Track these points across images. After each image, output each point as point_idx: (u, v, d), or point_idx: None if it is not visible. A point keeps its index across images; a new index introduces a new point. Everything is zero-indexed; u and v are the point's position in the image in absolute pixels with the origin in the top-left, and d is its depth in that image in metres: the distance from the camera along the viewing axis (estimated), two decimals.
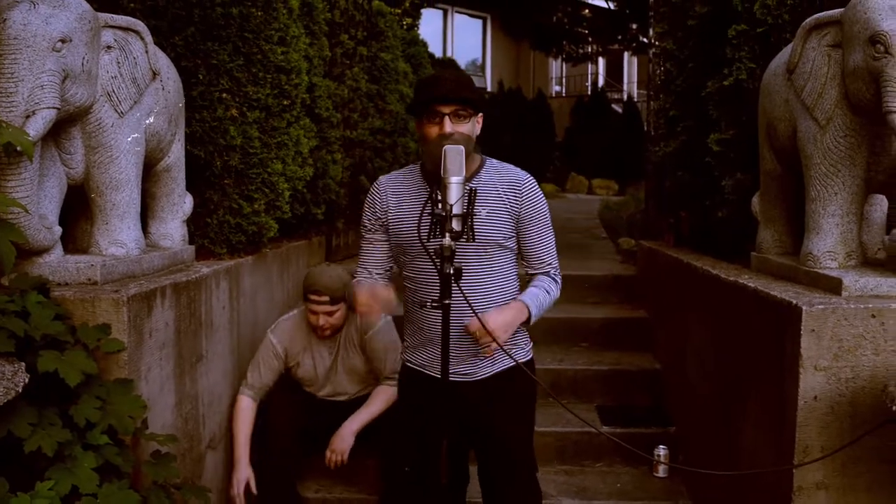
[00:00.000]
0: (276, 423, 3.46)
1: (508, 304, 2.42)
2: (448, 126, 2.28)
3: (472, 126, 2.36)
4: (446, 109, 2.29)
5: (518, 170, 2.50)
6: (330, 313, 3.38)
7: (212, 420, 3.21)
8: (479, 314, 2.27)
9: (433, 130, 2.31)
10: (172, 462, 2.49)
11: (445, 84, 2.31)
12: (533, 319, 2.43)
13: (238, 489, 3.33)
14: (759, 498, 2.74)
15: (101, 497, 2.14)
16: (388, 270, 2.58)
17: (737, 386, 3.01)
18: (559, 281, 2.56)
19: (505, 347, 2.36)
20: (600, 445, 3.88)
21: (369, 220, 2.53)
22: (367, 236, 2.55)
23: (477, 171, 2.43)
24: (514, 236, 2.47)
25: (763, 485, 2.68)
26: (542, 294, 2.48)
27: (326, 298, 3.34)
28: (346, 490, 3.59)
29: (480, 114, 2.41)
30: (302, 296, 3.49)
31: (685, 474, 3.69)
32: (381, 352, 3.44)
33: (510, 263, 2.51)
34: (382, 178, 2.57)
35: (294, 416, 3.46)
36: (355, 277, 2.59)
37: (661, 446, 3.78)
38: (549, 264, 2.55)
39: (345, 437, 3.39)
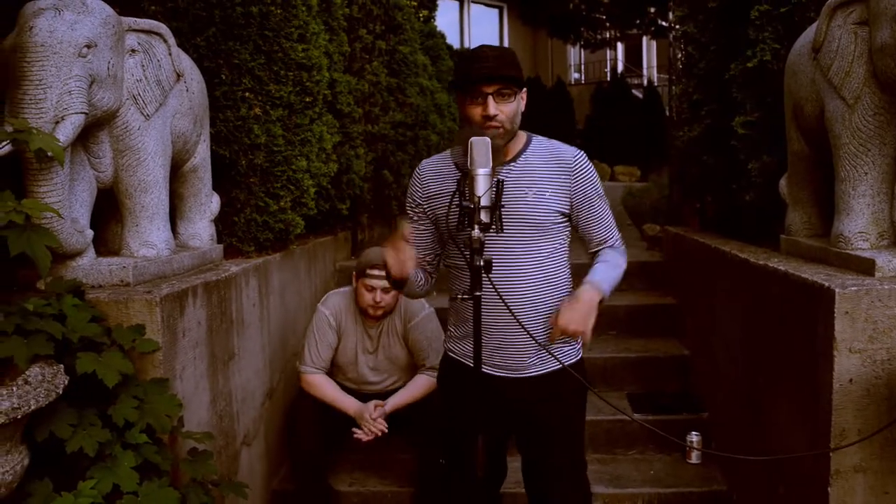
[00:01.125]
0: (301, 422, 3.49)
1: (579, 293, 2.24)
2: (492, 107, 2.17)
3: (517, 104, 2.24)
4: (489, 89, 2.17)
5: (567, 146, 2.39)
6: (387, 290, 3.40)
7: (245, 416, 3.25)
8: (555, 312, 2.22)
9: (476, 111, 2.20)
10: (209, 459, 2.52)
11: (487, 61, 2.18)
12: (607, 299, 2.30)
13: (373, 413, 3.40)
14: (796, 482, 2.73)
15: (142, 495, 2.17)
16: (436, 257, 2.50)
17: (768, 370, 2.99)
18: (624, 251, 2.47)
19: (552, 350, 2.30)
20: (632, 433, 3.87)
21: (410, 206, 2.46)
22: (415, 223, 2.46)
23: (523, 150, 2.34)
24: (565, 217, 2.35)
25: (799, 469, 2.66)
26: (611, 269, 2.37)
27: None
28: (379, 483, 3.61)
29: (524, 90, 2.28)
30: (355, 276, 3.51)
31: (719, 460, 3.68)
32: (423, 342, 3.48)
33: (560, 247, 2.38)
34: (424, 163, 2.47)
35: (318, 413, 3.49)
36: None
37: (694, 432, 3.77)
38: (611, 238, 2.46)
39: (385, 404, 3.46)
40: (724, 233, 4.11)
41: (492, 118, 2.18)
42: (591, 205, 2.39)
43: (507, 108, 2.21)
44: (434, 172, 2.41)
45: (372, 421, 3.40)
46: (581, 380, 2.37)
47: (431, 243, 2.48)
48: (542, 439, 2.46)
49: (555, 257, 2.37)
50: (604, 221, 2.44)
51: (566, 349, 2.41)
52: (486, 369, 2.20)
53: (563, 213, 2.35)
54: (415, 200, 2.44)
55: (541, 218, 2.30)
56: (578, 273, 2.38)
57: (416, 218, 2.44)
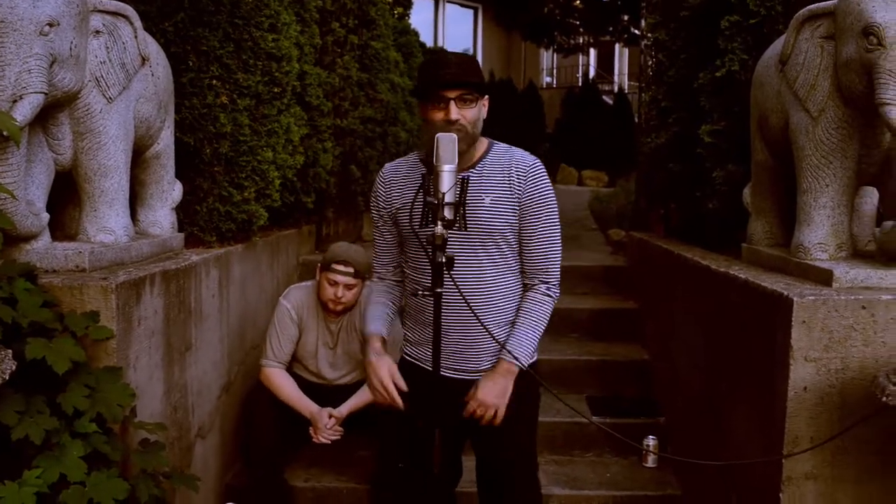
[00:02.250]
0: (258, 416, 3.46)
1: (495, 370, 2.35)
2: (454, 112, 2.20)
3: (479, 110, 2.27)
4: (451, 94, 2.21)
5: (526, 154, 2.39)
6: (350, 287, 3.40)
7: (201, 409, 3.20)
8: (474, 391, 2.32)
9: (438, 116, 2.22)
10: (161, 451, 2.48)
11: (450, 67, 2.22)
12: (527, 363, 2.35)
13: (328, 422, 3.41)
14: (748, 488, 2.76)
15: (90, 485, 2.13)
16: (399, 264, 2.53)
17: (726, 377, 3.02)
18: (555, 295, 2.42)
19: (507, 346, 2.32)
20: (590, 436, 3.89)
21: (376, 210, 2.49)
22: (378, 229, 2.51)
23: (483, 156, 2.36)
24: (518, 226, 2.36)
25: (752, 475, 2.69)
26: (534, 328, 2.38)
27: (352, 270, 3.37)
28: (336, 479, 3.58)
29: (486, 96, 2.31)
30: (319, 269, 3.49)
31: (674, 464, 3.71)
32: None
33: (514, 255, 2.40)
34: (387, 166, 2.50)
35: (276, 408, 3.46)
36: (372, 272, 2.57)
37: (651, 436, 3.79)
38: (549, 274, 2.39)
39: (340, 411, 3.45)
40: (688, 239, 4.15)
41: (453, 123, 2.20)
42: (538, 218, 2.35)
43: (468, 114, 2.24)
44: (397, 174, 2.45)
45: (326, 430, 3.40)
46: (537, 378, 2.40)
47: (398, 246, 2.50)
48: (494, 439, 2.46)
49: (514, 263, 2.39)
50: (551, 248, 2.39)
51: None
52: (443, 371, 2.20)
53: (518, 220, 2.35)
54: (378, 203, 2.47)
55: (497, 224, 2.32)
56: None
57: (380, 224, 2.49)
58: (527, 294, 2.42)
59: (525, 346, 2.36)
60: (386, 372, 2.36)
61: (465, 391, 2.38)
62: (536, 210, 2.35)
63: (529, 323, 2.39)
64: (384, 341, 2.46)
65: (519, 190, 2.33)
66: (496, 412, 2.34)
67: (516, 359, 2.33)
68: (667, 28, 4.24)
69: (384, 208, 2.46)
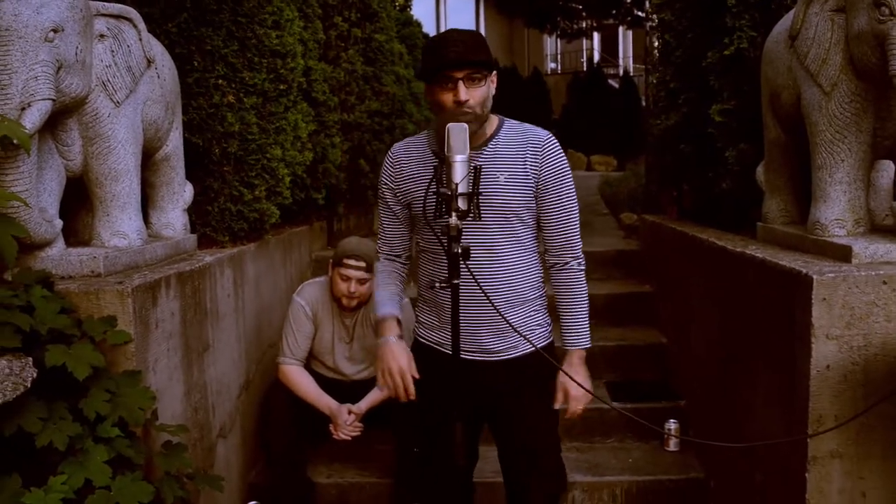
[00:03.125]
0: (277, 414, 3.46)
1: (570, 363, 2.42)
2: (463, 92, 2.14)
3: (488, 88, 2.22)
4: (459, 74, 2.14)
5: (538, 129, 2.36)
6: (362, 281, 3.38)
7: (221, 409, 3.20)
8: (568, 378, 2.37)
9: (447, 98, 2.16)
10: (184, 452, 2.48)
11: (455, 46, 2.14)
12: (589, 343, 2.44)
13: (347, 419, 3.40)
14: (773, 469, 2.74)
15: (115, 489, 2.13)
16: (407, 245, 2.51)
17: (745, 357, 3.00)
18: (584, 265, 2.43)
19: (523, 332, 2.31)
20: (610, 421, 3.88)
21: (384, 190, 2.45)
22: (385, 209, 2.47)
23: (495, 132, 2.32)
24: (535, 202, 2.34)
25: (777, 455, 2.67)
26: (583, 310, 2.43)
27: (363, 264, 3.35)
28: (358, 474, 3.59)
29: (494, 73, 2.25)
30: (331, 265, 3.48)
31: (697, 447, 3.69)
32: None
33: (533, 241, 2.40)
34: (396, 146, 2.46)
35: (295, 405, 3.46)
36: (378, 255, 2.55)
37: (672, 420, 3.78)
38: (573, 245, 2.39)
39: (360, 407, 3.44)
40: (701, 221, 4.12)
41: (463, 103, 2.15)
42: (558, 194, 2.34)
43: (477, 93, 2.18)
44: (407, 155, 2.40)
45: (346, 426, 3.39)
46: (552, 361, 2.37)
47: (407, 230, 2.49)
48: (517, 424, 2.47)
49: (529, 242, 2.39)
50: (571, 224, 2.38)
51: (538, 332, 2.43)
52: (463, 354, 2.18)
53: (533, 200, 2.34)
54: (388, 184, 2.43)
55: (513, 202, 2.30)
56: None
57: (390, 202, 2.44)
58: (561, 273, 2.42)
59: (583, 328, 2.42)
60: (406, 360, 2.33)
61: (486, 371, 2.39)
62: (555, 185, 2.33)
63: (577, 302, 2.43)
64: (400, 324, 2.43)
65: (535, 166, 2.30)
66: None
67: (582, 353, 2.44)
68: (672, 8, 4.20)
69: (393, 189, 2.42)
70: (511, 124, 2.36)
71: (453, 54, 2.14)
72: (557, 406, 2.42)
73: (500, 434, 2.56)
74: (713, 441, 3.18)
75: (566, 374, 2.37)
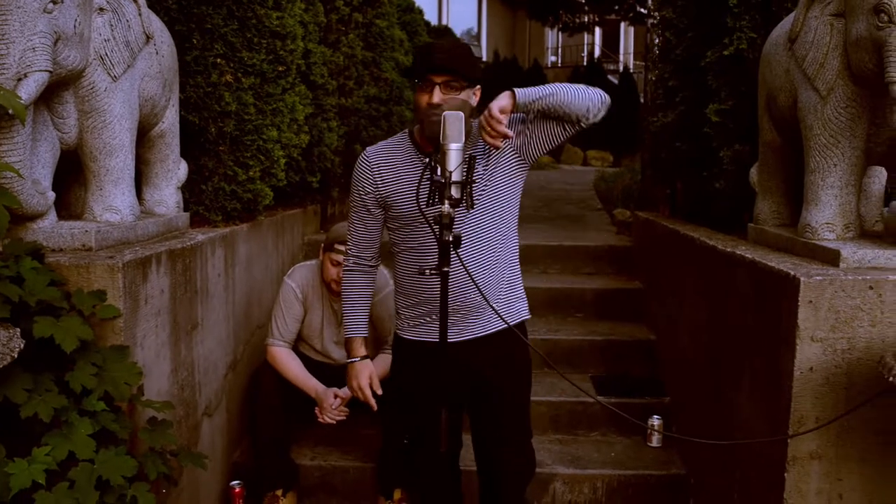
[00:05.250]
0: (264, 395, 3.47)
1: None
2: (437, 96, 2.28)
3: (467, 98, 2.35)
4: (438, 79, 2.29)
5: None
6: None
7: (208, 387, 3.21)
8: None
9: (424, 98, 2.32)
10: (169, 429, 2.49)
11: (441, 53, 2.31)
12: (522, 99, 2.29)
13: (333, 402, 3.40)
14: (753, 468, 2.77)
15: (98, 462, 2.14)
16: (378, 249, 2.62)
17: (731, 356, 3.02)
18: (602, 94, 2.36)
19: (497, 308, 2.35)
20: (594, 415, 3.90)
21: (360, 194, 2.52)
22: (359, 212, 2.55)
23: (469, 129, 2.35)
24: (522, 167, 2.46)
25: (757, 455, 2.70)
26: (554, 86, 2.34)
27: None
28: (341, 458, 3.60)
29: (478, 87, 2.40)
30: (322, 249, 3.50)
31: (679, 443, 3.72)
32: (386, 318, 3.47)
33: (515, 215, 2.52)
34: (370, 150, 2.56)
35: (282, 386, 3.47)
36: (347, 259, 2.64)
37: (655, 416, 3.81)
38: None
39: (346, 391, 3.43)
40: (694, 219, 4.14)
41: (435, 107, 2.26)
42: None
43: (452, 101, 2.28)
44: (386, 157, 2.50)
45: (332, 410, 3.40)
46: (522, 337, 2.46)
47: (377, 235, 2.59)
48: (491, 405, 2.57)
49: (513, 225, 2.52)
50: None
51: (517, 305, 2.56)
52: (449, 339, 2.25)
53: (520, 164, 2.45)
54: (366, 187, 2.51)
55: (504, 193, 2.44)
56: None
57: (369, 205, 2.52)
58: None
59: (532, 89, 2.33)
60: (366, 378, 2.63)
61: (470, 351, 2.47)
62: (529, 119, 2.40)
63: (559, 84, 2.38)
64: (365, 342, 2.66)
65: (519, 126, 2.40)
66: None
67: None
68: (674, 6, 4.20)
69: (371, 192, 2.50)
70: None
71: (437, 60, 2.30)
72: (476, 122, 2.33)
73: (474, 411, 2.65)
74: (695, 438, 3.20)
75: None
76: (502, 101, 2.27)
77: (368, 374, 2.63)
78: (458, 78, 2.31)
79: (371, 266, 2.63)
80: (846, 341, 2.41)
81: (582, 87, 2.35)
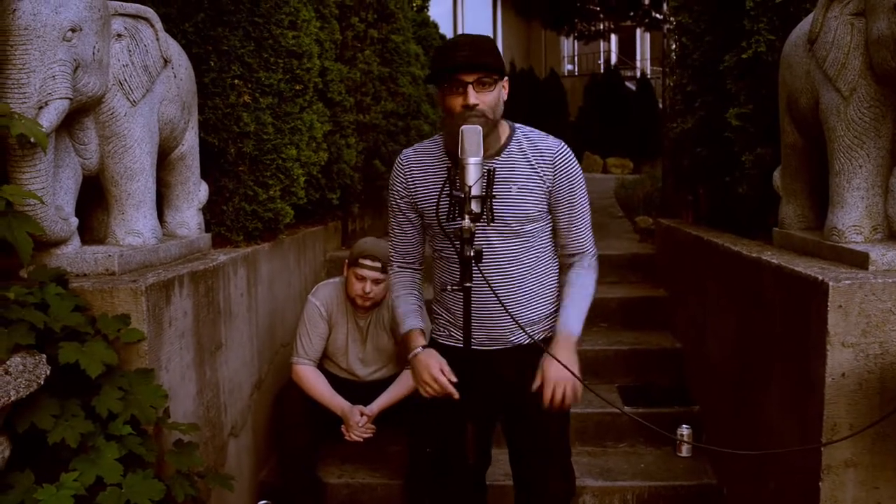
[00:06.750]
0: (290, 414, 3.47)
1: (558, 342, 2.31)
2: (472, 97, 2.11)
3: (498, 93, 2.19)
4: (469, 78, 2.12)
5: (551, 137, 2.35)
6: (377, 281, 3.39)
7: (233, 408, 3.21)
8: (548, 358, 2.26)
9: (457, 102, 2.14)
10: (195, 451, 2.49)
11: (464, 50, 2.13)
12: (579, 333, 2.36)
13: (359, 420, 3.39)
14: (786, 477, 2.71)
15: (126, 487, 2.14)
16: (420, 254, 2.51)
17: (760, 364, 2.97)
18: (596, 266, 2.45)
19: (528, 329, 2.31)
20: (622, 426, 3.86)
21: (395, 198, 2.43)
22: (397, 216, 2.45)
23: (507, 143, 2.31)
24: (548, 212, 2.37)
25: (790, 463, 2.65)
26: (582, 302, 2.38)
27: (379, 265, 3.35)
28: (369, 475, 3.59)
29: (506, 78, 2.23)
30: (346, 265, 3.49)
31: (710, 453, 3.66)
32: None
33: (547, 237, 2.42)
34: (406, 152, 2.44)
35: (308, 405, 3.46)
36: (391, 264, 2.53)
37: (684, 426, 3.76)
38: (584, 249, 2.42)
39: (371, 409, 3.44)
40: (717, 225, 4.09)
41: (472, 108, 2.13)
42: (571, 202, 2.36)
43: (487, 98, 2.16)
44: (418, 161, 2.39)
45: (359, 428, 3.39)
46: (542, 347, 2.33)
47: (420, 238, 2.48)
48: (529, 422, 2.46)
49: (542, 241, 2.40)
50: (583, 225, 2.42)
51: (547, 323, 2.46)
52: (473, 346, 2.20)
53: (546, 208, 2.35)
54: (400, 191, 2.41)
55: (525, 213, 2.31)
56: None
57: (404, 209, 2.43)
58: (572, 271, 2.43)
59: (577, 316, 2.36)
60: (437, 367, 2.29)
61: (500, 360, 2.40)
62: (567, 194, 2.35)
63: (576, 302, 2.38)
64: (424, 334, 2.42)
65: (547, 176, 2.31)
66: (574, 388, 2.28)
67: (569, 337, 2.33)
68: (690, 11, 4.17)
69: (405, 196, 2.40)
70: (523, 131, 2.35)
71: (463, 58, 2.13)
72: (534, 388, 2.29)
73: (511, 434, 2.57)
74: (725, 448, 3.15)
75: (548, 353, 2.27)
76: (571, 354, 2.33)
77: (437, 363, 2.30)
78: (489, 73, 2.14)
79: (414, 269, 2.51)
80: (878, 346, 2.36)
81: (591, 285, 2.43)
